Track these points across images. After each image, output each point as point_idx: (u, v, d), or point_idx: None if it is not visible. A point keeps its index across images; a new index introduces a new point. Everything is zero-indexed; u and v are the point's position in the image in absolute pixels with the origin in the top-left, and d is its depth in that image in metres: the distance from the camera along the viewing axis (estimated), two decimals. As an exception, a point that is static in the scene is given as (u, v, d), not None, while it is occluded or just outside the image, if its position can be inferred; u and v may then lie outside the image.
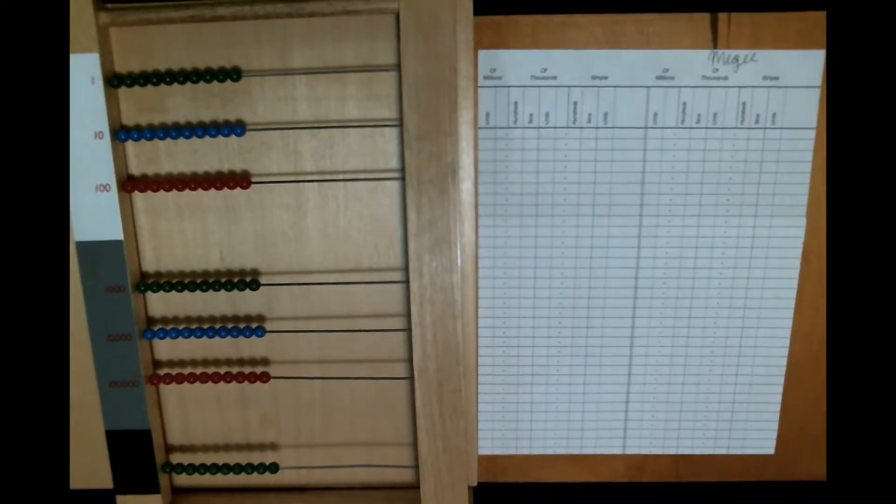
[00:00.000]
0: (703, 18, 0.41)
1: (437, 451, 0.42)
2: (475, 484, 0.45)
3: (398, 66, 0.38)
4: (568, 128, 0.43)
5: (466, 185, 0.40)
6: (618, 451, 0.49)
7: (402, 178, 0.40)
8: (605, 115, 0.43)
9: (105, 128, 0.39)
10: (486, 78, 0.42)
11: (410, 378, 0.42)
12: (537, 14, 0.41)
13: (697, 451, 0.48)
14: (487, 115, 0.43)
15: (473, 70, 0.40)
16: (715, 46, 0.42)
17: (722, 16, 0.41)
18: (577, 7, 0.42)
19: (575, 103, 0.43)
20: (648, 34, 0.42)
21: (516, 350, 0.47)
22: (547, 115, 0.43)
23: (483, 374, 0.47)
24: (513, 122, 0.43)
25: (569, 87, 0.42)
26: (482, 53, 0.42)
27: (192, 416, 0.45)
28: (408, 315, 0.42)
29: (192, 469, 0.45)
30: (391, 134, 0.41)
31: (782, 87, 0.42)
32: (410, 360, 0.41)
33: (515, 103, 0.43)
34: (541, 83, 0.42)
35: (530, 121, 0.43)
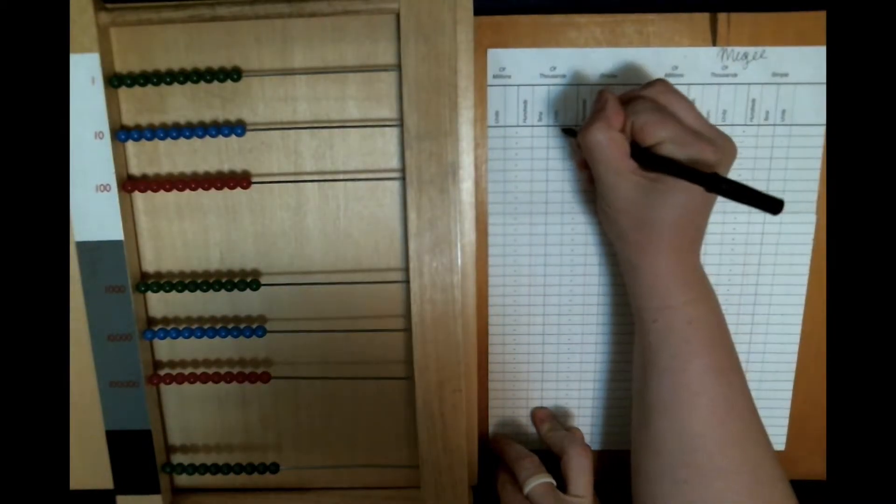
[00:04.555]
0: (702, 19, 0.41)
1: (437, 451, 0.42)
2: (475, 484, 0.45)
3: (398, 66, 0.38)
4: (578, 126, 0.43)
5: (466, 185, 0.40)
6: (628, 448, 0.48)
7: (402, 178, 0.40)
8: None
9: (105, 128, 0.39)
10: (495, 77, 0.42)
11: (410, 378, 0.42)
12: (536, 14, 0.41)
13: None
14: (497, 113, 0.43)
15: (476, 68, 0.40)
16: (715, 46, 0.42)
17: (721, 16, 0.41)
18: (577, 7, 0.42)
19: (584, 101, 0.42)
20: (648, 34, 0.42)
21: (526, 348, 0.47)
22: (556, 113, 0.43)
23: (493, 372, 0.47)
24: (522, 120, 0.43)
25: (578, 85, 0.42)
26: (491, 52, 0.42)
27: (192, 417, 0.45)
28: (408, 315, 0.42)
29: (192, 469, 0.45)
30: (391, 134, 0.41)
31: (791, 83, 0.42)
32: (410, 360, 0.41)
33: (525, 102, 0.43)
34: (550, 82, 0.42)
35: (539, 119, 0.43)
